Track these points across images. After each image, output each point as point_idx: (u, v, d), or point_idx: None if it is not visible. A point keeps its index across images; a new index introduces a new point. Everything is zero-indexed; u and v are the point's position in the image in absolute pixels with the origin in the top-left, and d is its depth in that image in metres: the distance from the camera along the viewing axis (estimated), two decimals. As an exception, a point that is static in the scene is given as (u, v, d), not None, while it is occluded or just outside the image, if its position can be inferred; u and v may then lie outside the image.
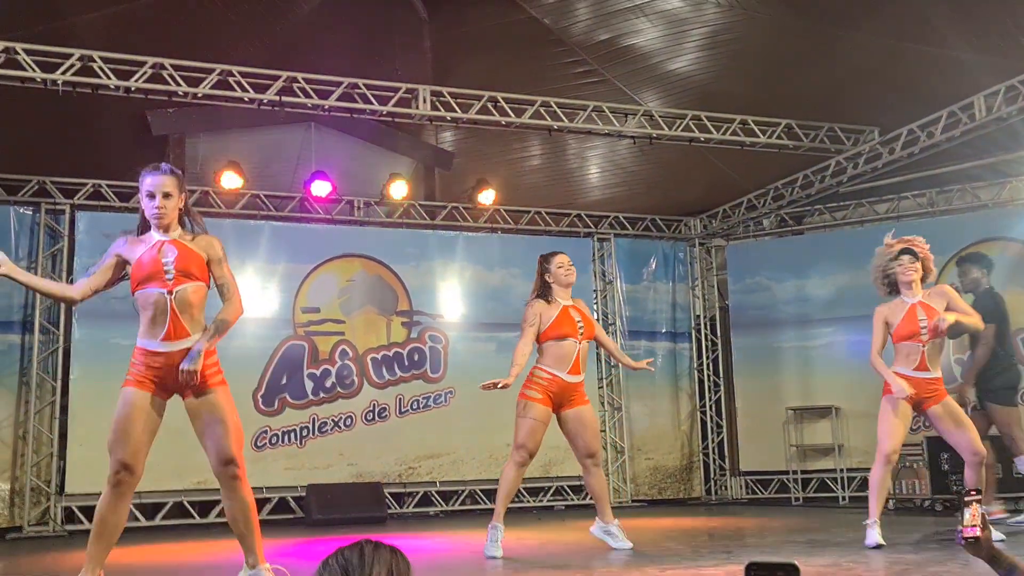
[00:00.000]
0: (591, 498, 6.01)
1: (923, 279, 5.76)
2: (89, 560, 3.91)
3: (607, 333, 11.36)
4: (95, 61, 7.71)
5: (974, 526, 2.32)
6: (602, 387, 11.14)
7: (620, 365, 11.15)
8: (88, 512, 9.01)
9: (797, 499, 10.59)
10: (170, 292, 3.95)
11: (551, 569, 5.13)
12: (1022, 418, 7.25)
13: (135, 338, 9.84)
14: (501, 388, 5.46)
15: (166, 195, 4.04)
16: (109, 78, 7.76)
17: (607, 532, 5.84)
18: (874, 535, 5.35)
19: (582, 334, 5.68)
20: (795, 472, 10.83)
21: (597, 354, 11.10)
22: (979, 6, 8.30)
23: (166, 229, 4.10)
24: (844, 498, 10.28)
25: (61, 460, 9.02)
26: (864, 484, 10.26)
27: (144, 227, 4.18)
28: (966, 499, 2.36)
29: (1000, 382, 7.06)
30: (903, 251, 5.71)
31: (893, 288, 5.78)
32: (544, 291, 5.81)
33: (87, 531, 8.74)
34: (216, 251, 4.19)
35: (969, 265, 7.96)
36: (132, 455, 3.84)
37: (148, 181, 4.07)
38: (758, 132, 9.61)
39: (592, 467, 5.76)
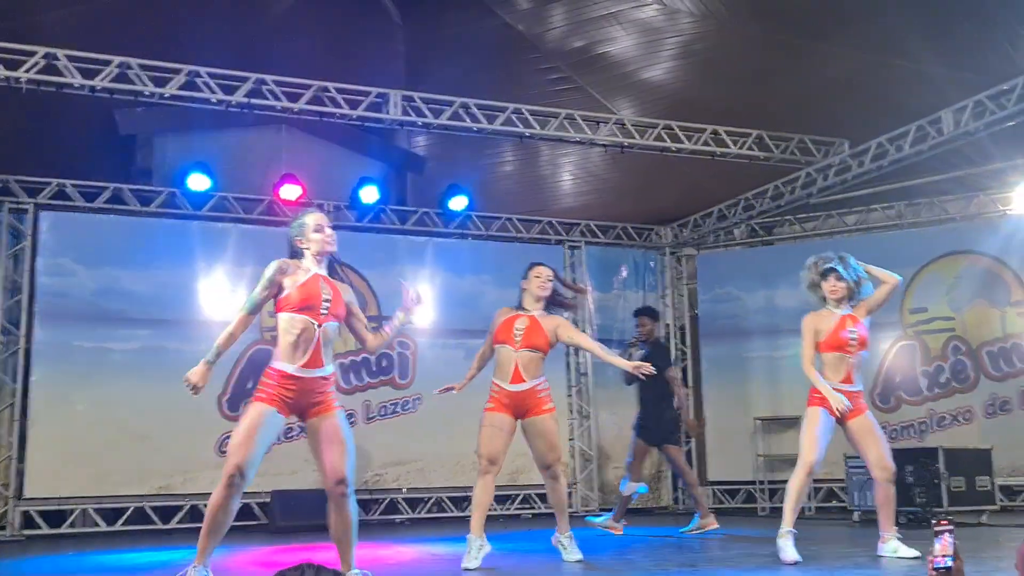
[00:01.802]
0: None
1: (852, 296, 5.75)
2: (201, 552, 4.13)
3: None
4: (60, 59, 7.59)
5: (945, 555, 2.29)
6: (571, 395, 11.12)
7: (590, 374, 11.22)
8: (47, 517, 8.88)
9: (764, 509, 10.61)
10: (319, 325, 4.23)
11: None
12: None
13: (96, 340, 9.73)
14: (455, 392, 5.71)
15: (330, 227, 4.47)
16: (74, 77, 7.65)
17: (559, 543, 5.82)
18: (792, 550, 5.34)
19: (519, 342, 5.60)
20: (762, 482, 10.85)
21: (566, 362, 11.08)
22: (949, 22, 8.37)
23: (320, 262, 4.44)
24: (810, 508, 10.31)
25: (20, 464, 8.86)
26: (830, 495, 10.34)
27: (295, 255, 4.47)
28: (936, 529, 2.32)
29: (670, 421, 8.14)
30: (829, 270, 5.73)
31: (824, 300, 5.82)
32: (520, 298, 5.81)
33: (46, 536, 8.69)
34: (351, 298, 4.54)
35: (645, 317, 8.38)
36: (249, 462, 4.07)
37: (316, 216, 4.48)
38: (729, 142, 9.63)
39: (548, 478, 5.70)
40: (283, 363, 4.21)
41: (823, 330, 5.65)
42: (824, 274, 5.74)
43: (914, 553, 5.31)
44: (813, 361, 5.65)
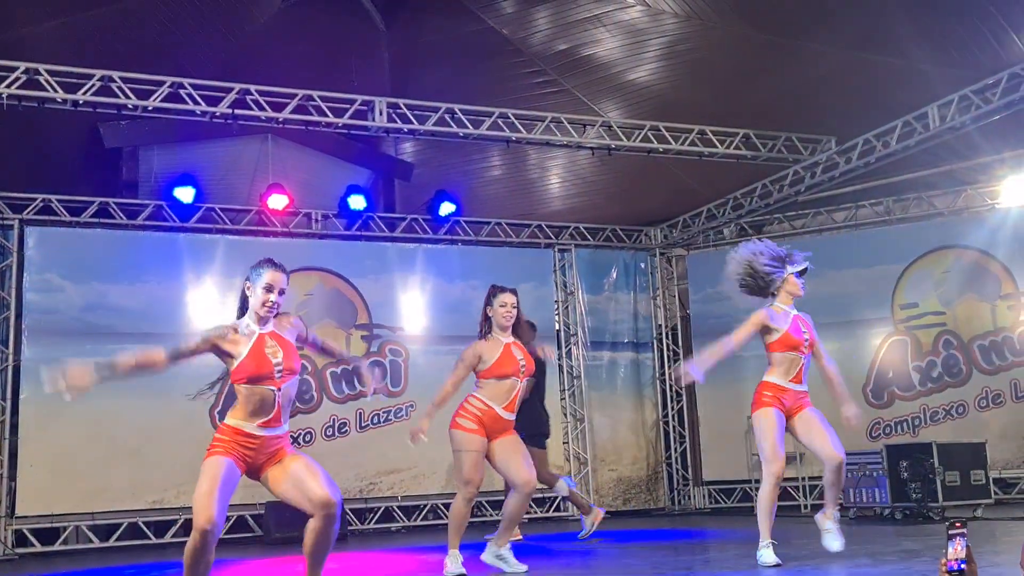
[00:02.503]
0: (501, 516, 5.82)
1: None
2: None
3: (569, 344, 11.37)
4: (41, 74, 7.55)
5: (959, 559, 2.24)
6: (564, 398, 11.10)
7: (583, 376, 11.20)
8: (40, 534, 8.81)
9: (760, 508, 10.58)
10: (279, 389, 4.11)
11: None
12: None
13: (85, 356, 9.63)
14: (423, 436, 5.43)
15: (282, 292, 4.21)
16: (56, 92, 7.60)
17: (499, 557, 5.69)
18: (772, 555, 5.31)
19: (523, 372, 5.54)
20: (757, 481, 10.80)
21: (559, 365, 11.07)
22: (933, 17, 8.39)
23: (266, 322, 4.22)
24: (806, 506, 10.29)
25: (12, 482, 8.79)
26: (823, 494, 10.31)
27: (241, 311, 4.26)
28: (950, 532, 2.28)
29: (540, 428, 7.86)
30: (804, 270, 5.61)
31: (762, 292, 5.68)
32: (486, 327, 5.61)
33: (39, 554, 8.61)
34: (300, 329, 4.34)
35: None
36: (220, 514, 3.97)
37: (273, 275, 4.19)
38: (716, 142, 9.63)
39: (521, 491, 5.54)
40: (241, 421, 4.08)
41: (779, 327, 5.48)
42: (801, 273, 5.60)
43: (838, 546, 5.31)
44: (737, 348, 5.52)
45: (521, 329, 5.68)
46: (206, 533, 3.94)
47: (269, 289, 4.16)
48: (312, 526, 4.10)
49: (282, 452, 4.16)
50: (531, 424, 7.42)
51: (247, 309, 4.21)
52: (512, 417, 5.52)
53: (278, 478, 4.14)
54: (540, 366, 6.87)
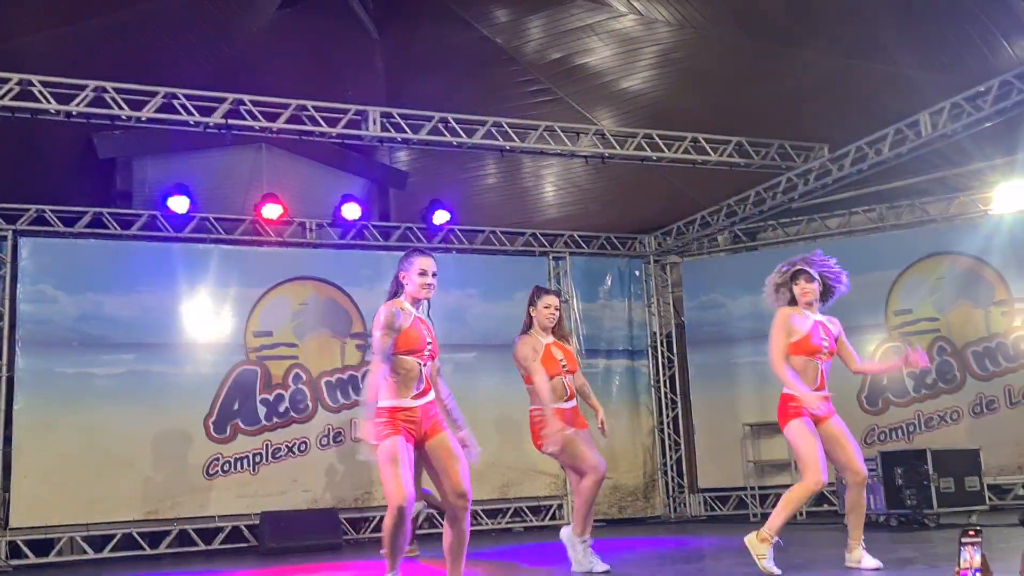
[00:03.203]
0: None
1: (824, 297, 5.54)
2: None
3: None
4: (35, 85, 7.54)
5: (973, 568, 2.22)
6: (560, 406, 11.07)
7: (585, 374, 11.17)
8: (34, 546, 8.78)
9: (755, 515, 10.59)
10: (424, 364, 4.41)
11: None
12: None
13: (79, 366, 9.62)
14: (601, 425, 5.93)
15: (435, 274, 4.55)
16: (49, 102, 7.60)
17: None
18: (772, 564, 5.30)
19: (566, 369, 5.86)
20: (753, 488, 10.84)
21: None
22: (925, 25, 8.42)
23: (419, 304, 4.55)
24: (801, 513, 10.30)
25: (6, 493, 8.76)
26: (820, 498, 10.32)
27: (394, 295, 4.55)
28: (963, 540, 2.25)
29: None
30: (799, 272, 5.53)
31: (790, 301, 5.54)
32: (529, 326, 5.92)
33: (34, 566, 8.58)
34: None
35: None
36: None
37: (422, 260, 4.52)
38: (709, 150, 9.64)
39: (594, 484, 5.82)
40: (395, 400, 4.33)
41: (801, 330, 5.38)
42: (794, 277, 5.49)
43: (875, 564, 5.14)
44: (785, 357, 5.33)
45: (561, 329, 6.00)
46: (402, 509, 4.18)
47: (423, 273, 4.47)
48: (445, 522, 4.39)
49: (438, 424, 4.38)
50: None
51: (398, 294, 4.50)
52: (573, 405, 5.85)
53: (430, 454, 4.38)
54: None
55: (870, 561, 5.19)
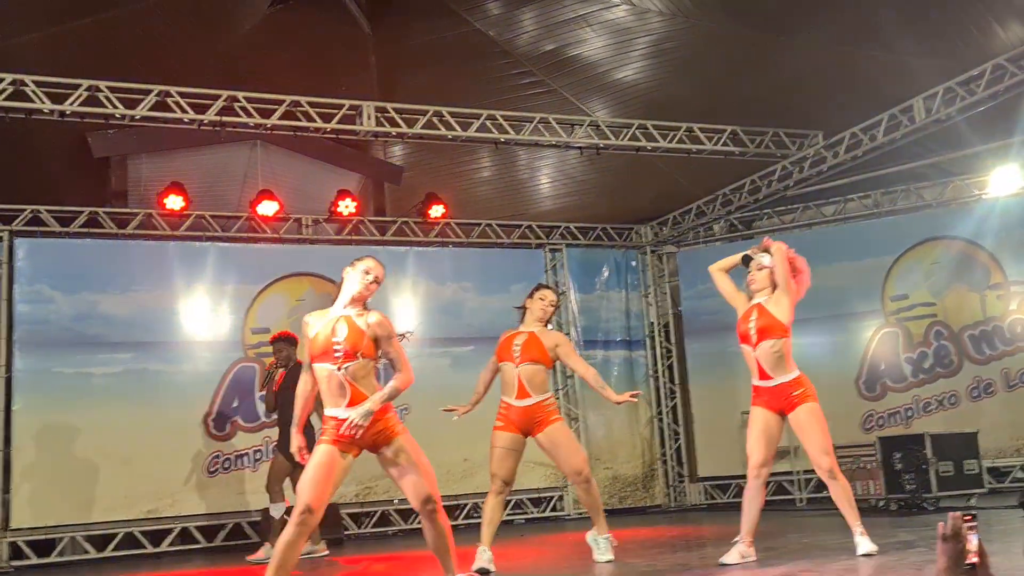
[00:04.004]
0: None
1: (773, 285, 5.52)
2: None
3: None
4: (28, 85, 7.53)
5: (972, 552, 2.22)
6: (558, 397, 11.09)
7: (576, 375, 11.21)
8: (35, 546, 8.79)
9: (756, 503, 10.60)
10: (339, 368, 4.36)
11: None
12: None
13: (77, 366, 9.62)
14: (456, 417, 5.85)
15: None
16: (43, 102, 7.59)
17: (595, 541, 5.91)
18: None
19: (518, 357, 5.70)
20: (753, 476, 10.83)
21: (554, 366, 11.04)
22: (918, 10, 8.42)
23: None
24: (801, 500, 10.34)
25: (5, 494, 8.76)
26: (820, 485, 10.34)
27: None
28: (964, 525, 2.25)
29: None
30: (744, 258, 5.57)
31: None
32: (522, 316, 5.94)
33: (35, 566, 8.59)
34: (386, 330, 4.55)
35: (281, 343, 8.10)
36: (317, 499, 4.18)
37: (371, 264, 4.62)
38: (704, 139, 9.65)
39: (580, 483, 5.75)
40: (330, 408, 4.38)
41: (739, 318, 5.47)
42: (746, 263, 5.57)
43: (867, 550, 5.11)
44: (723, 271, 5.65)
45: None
46: (299, 516, 4.15)
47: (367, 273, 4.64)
48: (423, 525, 4.42)
49: (390, 431, 4.37)
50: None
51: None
52: (529, 404, 5.67)
53: (388, 462, 4.40)
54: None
55: (865, 547, 5.17)
